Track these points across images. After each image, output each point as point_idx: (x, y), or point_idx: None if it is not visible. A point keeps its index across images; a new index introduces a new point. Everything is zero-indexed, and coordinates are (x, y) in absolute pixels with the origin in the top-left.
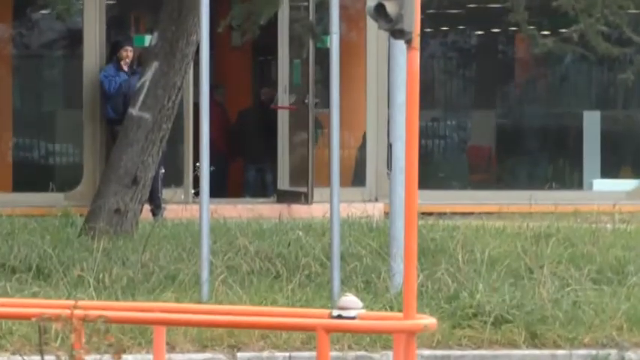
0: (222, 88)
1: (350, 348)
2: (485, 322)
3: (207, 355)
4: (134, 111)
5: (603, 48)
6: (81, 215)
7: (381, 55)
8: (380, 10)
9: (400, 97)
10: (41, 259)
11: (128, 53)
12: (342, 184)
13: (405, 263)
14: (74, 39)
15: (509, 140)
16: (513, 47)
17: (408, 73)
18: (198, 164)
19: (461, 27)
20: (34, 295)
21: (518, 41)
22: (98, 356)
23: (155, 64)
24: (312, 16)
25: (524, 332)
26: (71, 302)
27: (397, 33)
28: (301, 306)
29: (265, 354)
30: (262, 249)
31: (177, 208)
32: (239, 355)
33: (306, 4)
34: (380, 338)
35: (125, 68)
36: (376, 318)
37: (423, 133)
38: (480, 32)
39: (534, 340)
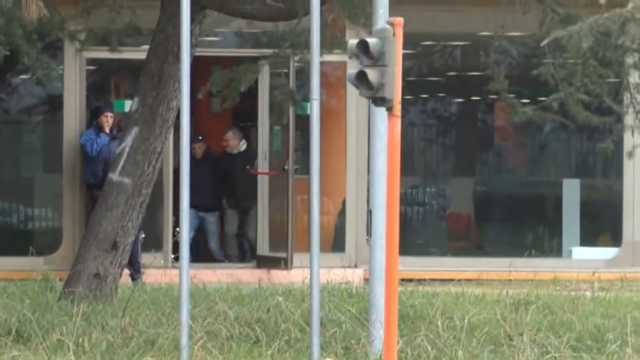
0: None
1: None
2: None
3: None
4: (114, 176)
5: (583, 117)
6: (60, 279)
7: (361, 122)
8: (361, 78)
9: (380, 164)
10: (20, 323)
11: (108, 119)
12: (322, 249)
13: (386, 329)
14: (54, 104)
15: (488, 207)
16: (493, 115)
17: (389, 140)
18: (177, 229)
19: (441, 95)
20: (14, 359)
21: (497, 109)
22: None
23: (135, 130)
24: (292, 83)
25: None
26: None
27: (378, 100)
28: None
29: None
30: (242, 314)
31: (156, 272)
32: None
33: (286, 70)
34: None
35: (107, 131)
36: None
37: (403, 200)
38: (459, 100)
39: None
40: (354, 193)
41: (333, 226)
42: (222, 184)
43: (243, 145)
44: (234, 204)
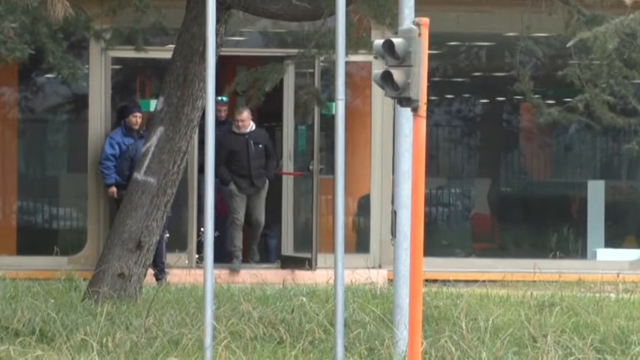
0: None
1: None
2: None
3: None
4: (139, 175)
5: (608, 118)
6: (85, 279)
7: (386, 123)
8: (387, 78)
9: (405, 164)
10: (45, 323)
11: (137, 119)
12: (346, 250)
13: (410, 330)
14: (79, 103)
15: (513, 208)
16: (518, 116)
17: (414, 140)
18: (202, 229)
19: (466, 95)
20: (37, 358)
21: (523, 110)
22: None
23: (160, 129)
24: (317, 83)
25: None
26: None
27: (404, 101)
28: None
29: None
30: (266, 315)
31: (181, 272)
32: None
33: (311, 70)
34: None
35: (137, 130)
36: None
37: (427, 201)
38: (484, 101)
39: None
40: (378, 194)
41: (358, 226)
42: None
43: (252, 125)
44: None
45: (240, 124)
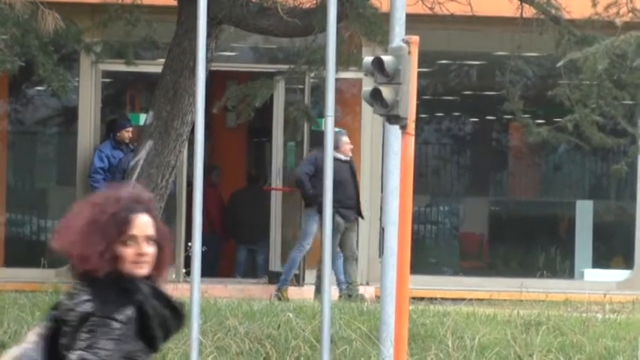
0: (218, 169)
1: None
2: None
3: None
4: None
5: (597, 138)
6: None
7: (375, 140)
8: (376, 96)
9: (393, 181)
10: None
11: (129, 134)
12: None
13: (395, 347)
14: (69, 116)
15: (501, 227)
16: (507, 135)
17: (402, 158)
18: (190, 244)
19: (456, 114)
20: None
21: (512, 129)
22: None
23: (149, 143)
24: (307, 99)
25: None
26: None
27: (392, 118)
28: None
29: None
30: (252, 330)
31: (168, 287)
32: None
33: (301, 87)
34: None
35: (127, 143)
36: None
37: (416, 219)
38: (474, 119)
39: None
40: (367, 211)
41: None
42: None
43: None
44: None
45: (348, 147)
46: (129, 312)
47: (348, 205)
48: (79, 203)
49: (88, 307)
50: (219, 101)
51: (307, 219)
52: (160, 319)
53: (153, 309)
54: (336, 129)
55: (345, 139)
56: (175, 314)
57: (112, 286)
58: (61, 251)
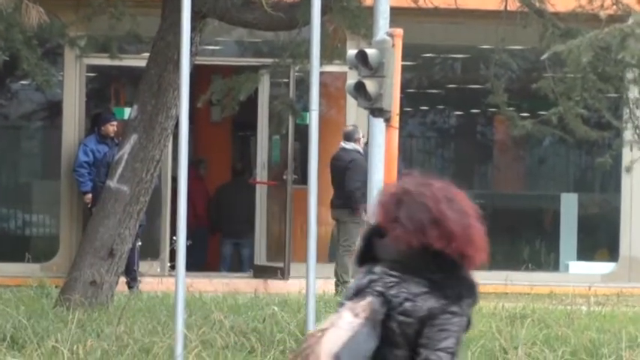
0: (205, 162)
1: None
2: None
3: None
4: (112, 183)
5: (582, 131)
6: (56, 286)
7: None
8: (360, 89)
9: (378, 174)
10: (16, 330)
11: (114, 128)
12: (319, 260)
13: None
14: (53, 110)
15: (486, 220)
16: (492, 128)
17: (386, 151)
18: (175, 238)
19: (440, 107)
20: None
21: (497, 122)
22: None
23: (134, 137)
24: (292, 93)
25: None
26: None
27: (376, 111)
28: None
29: None
30: (237, 324)
31: (153, 281)
32: None
33: (286, 80)
34: None
35: (112, 137)
36: None
37: None
38: (458, 113)
39: None
40: None
41: (331, 236)
42: None
43: None
44: None
45: (363, 141)
46: (467, 303)
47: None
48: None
49: (432, 302)
50: (203, 95)
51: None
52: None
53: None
54: (352, 124)
55: (361, 132)
56: None
57: (451, 278)
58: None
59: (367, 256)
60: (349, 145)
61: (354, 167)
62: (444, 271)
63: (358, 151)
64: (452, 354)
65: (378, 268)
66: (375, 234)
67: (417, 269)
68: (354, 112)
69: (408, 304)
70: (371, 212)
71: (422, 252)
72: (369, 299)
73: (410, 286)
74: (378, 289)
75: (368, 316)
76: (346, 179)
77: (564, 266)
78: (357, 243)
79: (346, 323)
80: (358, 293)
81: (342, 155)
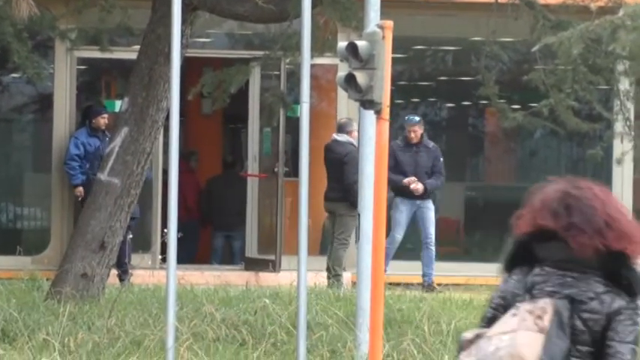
0: (197, 155)
1: None
2: None
3: None
4: (103, 176)
5: (573, 123)
6: (48, 279)
7: None
8: (350, 81)
9: (369, 167)
10: (6, 323)
11: (105, 120)
12: (311, 252)
13: (371, 333)
14: (44, 103)
15: (477, 213)
16: (483, 120)
17: (376, 143)
18: (166, 230)
19: (431, 99)
20: None
21: (488, 115)
22: None
23: (125, 130)
24: (283, 85)
25: None
26: None
27: (367, 103)
28: None
29: None
30: (229, 316)
31: (144, 273)
32: None
33: (277, 73)
34: None
35: (103, 130)
36: None
37: (392, 204)
38: (450, 105)
39: None
40: None
41: (322, 229)
42: None
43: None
44: None
45: (356, 134)
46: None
47: None
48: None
49: (618, 299)
50: (194, 87)
51: (395, 208)
52: None
53: None
54: (347, 117)
55: (355, 125)
56: None
57: (627, 274)
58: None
59: (519, 260)
60: (342, 138)
61: (351, 161)
62: (619, 269)
63: (352, 144)
64: (636, 346)
65: (540, 269)
66: (535, 238)
67: (594, 268)
68: (344, 105)
69: (594, 303)
70: (520, 219)
71: (597, 252)
72: (546, 300)
73: (590, 284)
74: (549, 289)
75: (553, 317)
76: (345, 173)
77: None
78: (506, 250)
79: (533, 326)
80: (514, 296)
81: (336, 148)
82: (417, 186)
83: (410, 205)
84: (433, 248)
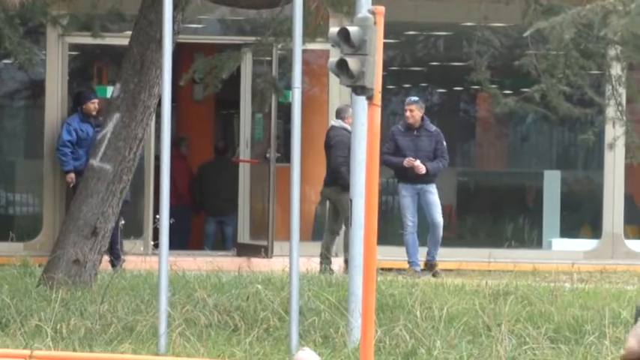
0: (187, 140)
1: None
2: None
3: None
4: (95, 162)
5: (565, 108)
6: (40, 265)
7: None
8: (342, 66)
9: (361, 153)
10: None
11: (95, 105)
12: (303, 238)
13: (363, 318)
14: (36, 89)
15: (469, 198)
16: (475, 106)
17: (368, 129)
18: (158, 216)
19: (423, 84)
20: None
21: (480, 100)
22: None
23: (117, 116)
24: (274, 71)
25: None
26: (27, 352)
27: (359, 89)
28: None
29: None
30: (221, 302)
31: (136, 259)
32: None
33: (269, 58)
34: None
35: (94, 115)
36: None
37: (384, 190)
38: (441, 90)
39: None
40: None
41: (314, 214)
42: None
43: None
44: None
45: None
46: None
47: None
48: None
49: None
50: (186, 73)
51: (399, 195)
52: None
53: None
54: (345, 103)
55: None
56: None
57: None
58: None
59: None
60: (337, 123)
61: (336, 144)
62: None
63: (345, 129)
64: None
65: None
66: None
67: None
68: (336, 90)
69: None
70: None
71: None
72: None
73: None
74: None
75: None
76: (331, 157)
77: (547, 243)
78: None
79: None
80: None
81: (330, 133)
82: (417, 164)
83: (412, 189)
84: (440, 231)
